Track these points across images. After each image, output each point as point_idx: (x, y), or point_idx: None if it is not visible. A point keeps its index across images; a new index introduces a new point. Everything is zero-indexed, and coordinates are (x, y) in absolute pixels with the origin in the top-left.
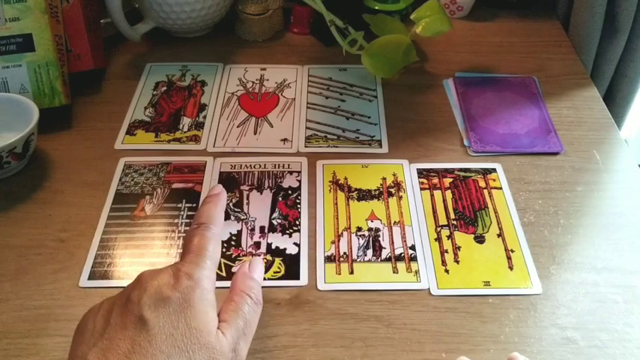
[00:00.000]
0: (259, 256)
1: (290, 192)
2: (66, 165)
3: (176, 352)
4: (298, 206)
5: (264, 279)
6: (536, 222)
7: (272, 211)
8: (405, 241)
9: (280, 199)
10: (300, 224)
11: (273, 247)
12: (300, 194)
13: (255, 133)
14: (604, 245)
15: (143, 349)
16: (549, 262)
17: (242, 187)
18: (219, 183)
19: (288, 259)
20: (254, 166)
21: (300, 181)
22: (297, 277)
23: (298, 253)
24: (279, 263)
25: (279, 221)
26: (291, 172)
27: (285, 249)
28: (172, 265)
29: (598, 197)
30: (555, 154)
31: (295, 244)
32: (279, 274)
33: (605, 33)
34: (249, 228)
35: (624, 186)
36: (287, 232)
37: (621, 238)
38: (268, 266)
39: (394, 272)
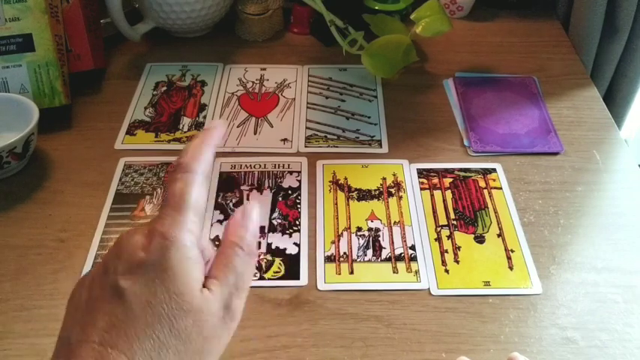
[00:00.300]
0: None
1: (290, 192)
2: (66, 165)
3: (157, 320)
4: (298, 206)
5: (265, 279)
6: (536, 222)
7: (272, 211)
8: (405, 241)
9: (280, 199)
10: (300, 224)
11: (273, 247)
12: (300, 194)
13: (255, 133)
14: (604, 245)
15: (122, 323)
16: (549, 262)
17: (242, 187)
18: (219, 183)
19: (288, 259)
20: (254, 166)
21: (300, 181)
22: (297, 277)
23: (298, 253)
24: (279, 263)
25: (279, 221)
26: (291, 172)
27: (285, 249)
28: (149, 222)
29: (598, 197)
30: (555, 154)
31: (295, 244)
32: (279, 274)
33: (605, 33)
34: None
35: (624, 186)
36: (287, 232)
37: (621, 238)
38: (268, 266)
39: (394, 272)
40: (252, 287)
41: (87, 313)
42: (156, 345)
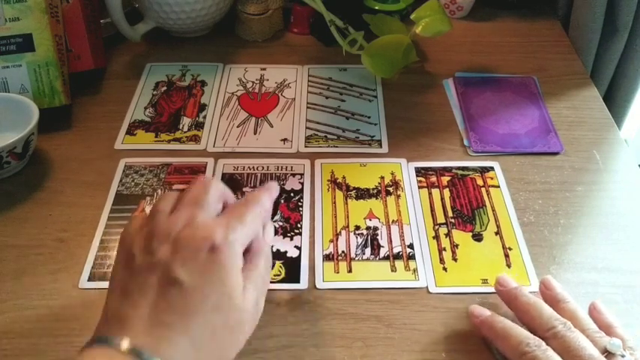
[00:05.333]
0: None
1: (292, 194)
2: (66, 165)
3: (215, 311)
4: (300, 209)
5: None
6: (535, 222)
7: (274, 214)
8: (403, 239)
9: (282, 201)
10: (301, 227)
11: (274, 249)
12: (302, 197)
13: (255, 133)
14: (604, 245)
15: (181, 308)
16: (549, 262)
17: (245, 189)
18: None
19: (289, 262)
20: (257, 168)
21: (302, 184)
22: (298, 281)
23: (299, 257)
24: (280, 266)
25: (281, 224)
26: (293, 175)
27: (285, 252)
28: (210, 221)
29: (598, 197)
30: (555, 154)
31: (296, 247)
32: (280, 277)
33: (605, 33)
34: None
35: (624, 186)
36: (288, 234)
37: (621, 238)
38: None
39: (392, 271)
40: None
41: (139, 294)
42: (208, 330)
